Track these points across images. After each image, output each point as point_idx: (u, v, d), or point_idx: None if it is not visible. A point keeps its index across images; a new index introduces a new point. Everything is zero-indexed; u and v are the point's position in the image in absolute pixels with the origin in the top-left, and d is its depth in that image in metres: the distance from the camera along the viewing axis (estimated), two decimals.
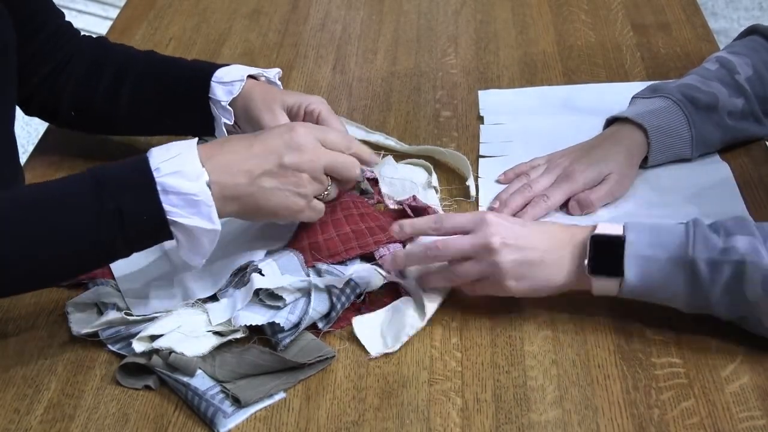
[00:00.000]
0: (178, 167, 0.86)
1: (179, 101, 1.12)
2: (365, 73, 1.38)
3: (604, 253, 0.90)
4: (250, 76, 1.10)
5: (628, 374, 0.88)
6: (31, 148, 1.28)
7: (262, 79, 1.12)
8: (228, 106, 1.08)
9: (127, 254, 0.89)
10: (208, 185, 0.87)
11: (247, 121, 1.09)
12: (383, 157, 1.16)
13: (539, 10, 1.51)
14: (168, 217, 0.86)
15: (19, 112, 1.15)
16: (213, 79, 1.09)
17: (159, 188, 0.85)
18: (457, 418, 0.86)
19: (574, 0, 1.53)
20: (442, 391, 0.88)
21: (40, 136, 1.28)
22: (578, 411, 0.85)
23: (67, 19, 1.20)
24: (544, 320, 0.95)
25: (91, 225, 0.85)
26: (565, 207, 1.08)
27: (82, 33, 1.22)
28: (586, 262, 0.90)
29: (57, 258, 0.86)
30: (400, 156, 1.19)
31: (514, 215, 1.05)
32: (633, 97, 1.16)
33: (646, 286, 0.89)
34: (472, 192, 1.11)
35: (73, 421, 0.88)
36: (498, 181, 1.14)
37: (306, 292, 0.94)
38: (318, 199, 0.95)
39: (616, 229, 0.90)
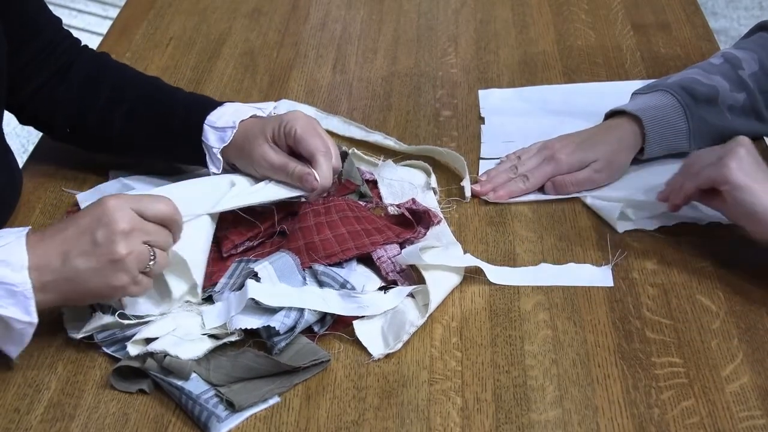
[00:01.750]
0: (4, 256, 0.84)
1: (172, 138, 1.10)
2: (365, 73, 1.38)
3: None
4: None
5: (628, 374, 0.89)
6: (31, 148, 1.28)
7: (258, 113, 1.09)
8: (218, 155, 1.06)
9: None
10: (30, 275, 0.84)
11: (240, 158, 1.07)
12: (382, 160, 1.16)
13: (539, 9, 1.51)
14: None
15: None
16: (206, 122, 1.07)
17: None
18: (457, 417, 0.86)
19: (574, 0, 1.53)
20: (442, 390, 0.88)
21: (40, 136, 1.28)
22: (578, 411, 0.85)
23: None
24: (544, 320, 0.95)
25: None
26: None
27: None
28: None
29: None
30: (398, 154, 1.19)
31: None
32: (633, 93, 1.17)
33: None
34: (467, 193, 1.11)
35: (73, 421, 0.88)
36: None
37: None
38: (145, 272, 0.89)
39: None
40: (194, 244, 0.96)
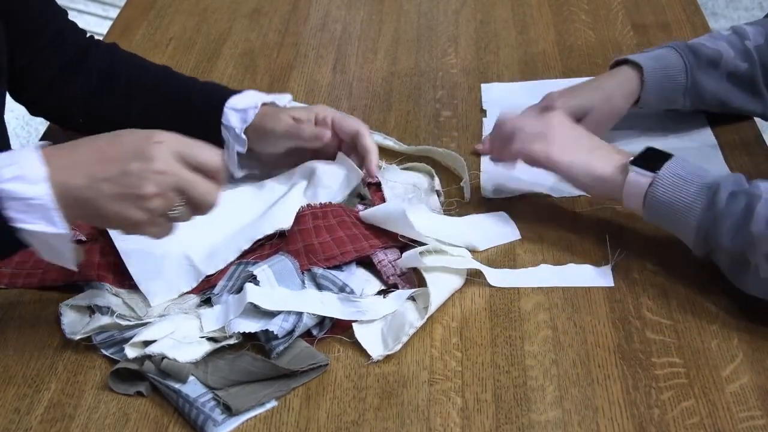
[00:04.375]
0: (18, 172, 0.82)
1: (192, 124, 1.09)
2: (365, 73, 1.38)
3: (650, 157, 0.98)
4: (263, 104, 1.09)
5: (628, 374, 0.88)
6: None
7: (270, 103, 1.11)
8: (242, 135, 1.07)
9: None
10: (50, 187, 0.83)
11: (260, 142, 1.08)
12: (384, 164, 1.16)
13: (539, 9, 1.51)
14: (14, 225, 0.82)
15: (19, 112, 1.15)
16: (226, 105, 1.08)
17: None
18: (457, 418, 0.86)
19: (574, 0, 1.53)
20: (442, 391, 0.88)
21: (40, 135, 1.28)
22: (578, 411, 0.85)
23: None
24: (544, 320, 0.95)
25: None
26: None
27: (98, 39, 1.20)
28: (630, 158, 0.98)
29: None
30: (398, 155, 1.19)
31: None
32: (643, 51, 1.20)
33: (671, 199, 0.95)
34: (467, 194, 1.11)
35: (74, 421, 0.88)
36: None
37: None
38: (168, 217, 0.87)
39: (667, 151, 0.98)
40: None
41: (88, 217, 0.86)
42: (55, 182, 0.83)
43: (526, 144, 1.04)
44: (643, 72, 1.13)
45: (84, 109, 1.15)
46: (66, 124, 1.20)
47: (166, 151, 0.85)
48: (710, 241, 0.93)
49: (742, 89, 1.16)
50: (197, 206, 0.88)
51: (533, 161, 1.04)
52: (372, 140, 1.09)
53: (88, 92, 1.15)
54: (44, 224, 0.83)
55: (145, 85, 1.14)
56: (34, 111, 1.20)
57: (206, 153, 0.87)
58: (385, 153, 1.19)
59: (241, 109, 1.08)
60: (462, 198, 1.11)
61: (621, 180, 0.98)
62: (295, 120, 1.07)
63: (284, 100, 1.12)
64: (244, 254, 1.02)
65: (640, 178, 0.96)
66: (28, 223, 0.82)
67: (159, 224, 0.87)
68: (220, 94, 1.10)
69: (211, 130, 1.09)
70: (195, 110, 1.11)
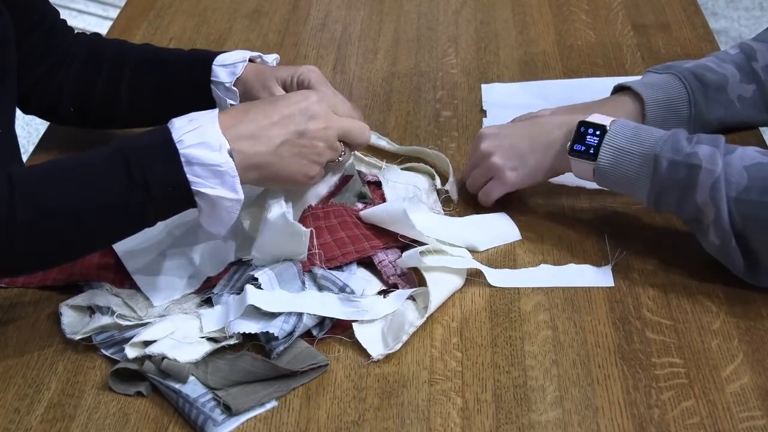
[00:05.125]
0: (201, 138, 0.87)
1: (180, 88, 1.13)
2: (365, 73, 1.38)
3: (585, 136, 1.00)
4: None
5: (628, 374, 0.88)
6: (31, 149, 1.28)
7: (258, 61, 1.13)
8: (233, 87, 1.09)
9: (154, 222, 0.91)
10: (231, 155, 0.88)
11: (246, 97, 1.10)
12: (385, 164, 1.16)
13: (539, 10, 1.51)
14: (193, 187, 0.87)
15: (19, 112, 1.15)
16: (214, 63, 1.10)
17: (183, 160, 0.87)
18: (457, 418, 0.86)
19: (574, 0, 1.53)
20: (442, 391, 0.88)
21: (40, 135, 1.28)
22: (578, 411, 0.85)
23: (66, 19, 1.20)
24: (544, 320, 0.95)
25: (122, 196, 0.86)
26: None
27: (81, 32, 1.22)
28: (568, 144, 1.01)
29: (91, 226, 0.88)
30: (399, 156, 1.19)
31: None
32: (646, 71, 1.18)
33: (616, 175, 0.98)
34: (453, 196, 1.11)
35: (74, 421, 0.88)
36: None
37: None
38: (331, 164, 0.99)
39: (604, 120, 1.00)
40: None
41: (264, 179, 0.94)
42: (236, 150, 0.89)
43: (489, 193, 1.08)
44: (644, 103, 1.11)
45: (73, 97, 1.17)
46: (57, 118, 1.21)
47: (325, 107, 0.95)
48: (663, 208, 0.97)
49: (754, 109, 1.14)
50: (357, 146, 1.01)
51: (500, 194, 1.08)
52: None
53: (74, 79, 1.16)
54: (224, 190, 0.88)
55: (130, 61, 1.16)
56: (25, 108, 1.20)
57: (340, 100, 1.01)
58: (384, 153, 1.19)
59: (230, 63, 1.10)
60: (448, 200, 1.11)
61: (568, 165, 1.02)
62: (283, 87, 1.09)
63: (270, 58, 1.14)
64: None
65: (583, 165, 1.01)
66: (209, 188, 0.88)
67: (324, 172, 0.99)
68: (207, 56, 1.12)
69: (201, 91, 1.11)
70: (184, 73, 1.13)
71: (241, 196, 0.89)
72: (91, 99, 1.17)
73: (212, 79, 1.10)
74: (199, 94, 1.11)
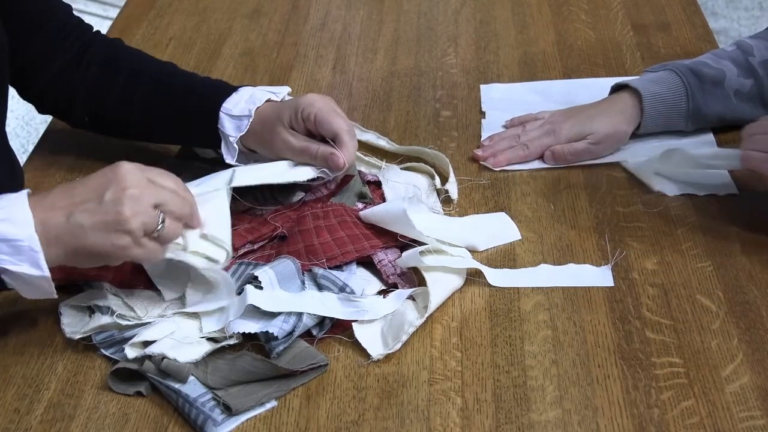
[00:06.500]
0: (6, 215, 0.85)
1: (189, 123, 1.12)
2: (365, 73, 1.38)
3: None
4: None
5: (628, 374, 0.88)
6: (31, 148, 1.28)
7: (269, 99, 1.10)
8: (235, 144, 1.08)
9: None
10: (36, 231, 0.85)
11: (260, 146, 1.09)
12: (385, 164, 1.16)
13: (539, 9, 1.51)
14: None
15: (20, 112, 1.15)
16: (222, 110, 1.08)
17: None
18: (457, 418, 0.86)
19: (574, 0, 1.53)
20: (442, 391, 0.88)
21: (40, 135, 1.28)
22: (578, 411, 0.85)
23: None
24: (544, 320, 0.95)
25: None
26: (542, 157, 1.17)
27: (98, 31, 1.21)
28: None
29: None
30: (399, 156, 1.19)
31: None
32: (645, 70, 1.21)
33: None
34: (453, 195, 1.11)
35: (73, 421, 0.88)
36: (504, 127, 1.23)
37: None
38: (153, 237, 0.89)
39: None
40: (216, 220, 0.97)
41: (72, 254, 0.88)
42: (38, 222, 0.85)
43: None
44: (642, 99, 1.14)
45: (87, 103, 1.16)
46: (72, 119, 1.20)
47: (136, 174, 0.88)
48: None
49: (752, 104, 1.15)
50: (178, 218, 0.90)
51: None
52: (352, 138, 1.05)
53: (89, 84, 1.15)
54: (28, 266, 0.85)
55: (145, 81, 1.14)
56: (40, 108, 1.20)
57: (168, 180, 0.90)
58: (384, 153, 1.19)
59: (236, 116, 1.08)
60: (447, 199, 1.11)
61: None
62: (292, 135, 1.05)
63: (282, 92, 1.11)
64: (246, 254, 1.02)
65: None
66: (14, 264, 0.85)
67: (145, 245, 0.88)
68: (217, 96, 1.10)
69: (210, 130, 1.09)
70: (193, 111, 1.11)
71: (46, 273, 0.85)
72: (103, 109, 1.15)
73: (219, 127, 1.08)
74: (207, 132, 1.10)
